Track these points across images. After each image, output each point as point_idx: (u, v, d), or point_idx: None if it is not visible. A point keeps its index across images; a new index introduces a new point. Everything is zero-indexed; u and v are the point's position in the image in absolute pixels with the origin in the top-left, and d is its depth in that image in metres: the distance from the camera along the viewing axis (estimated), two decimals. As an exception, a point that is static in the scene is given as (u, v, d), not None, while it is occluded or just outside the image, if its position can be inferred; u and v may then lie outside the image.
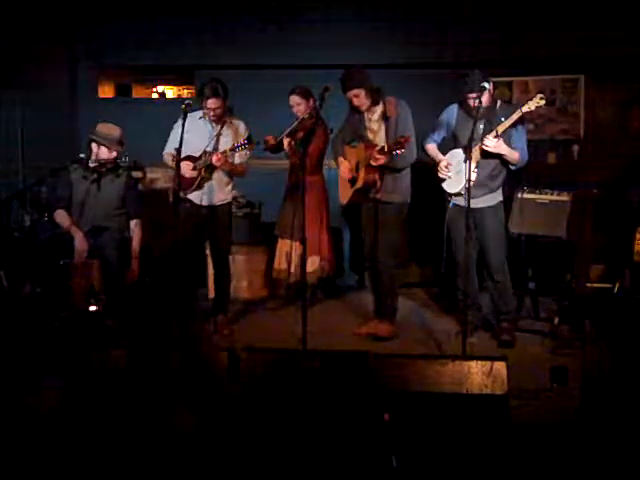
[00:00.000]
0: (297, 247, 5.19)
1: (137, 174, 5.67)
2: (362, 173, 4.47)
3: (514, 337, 4.56)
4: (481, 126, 4.34)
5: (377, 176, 4.45)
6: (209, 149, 4.60)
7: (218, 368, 3.35)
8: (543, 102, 4.16)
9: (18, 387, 3.42)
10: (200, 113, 4.65)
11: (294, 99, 5.13)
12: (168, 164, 4.81)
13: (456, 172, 4.43)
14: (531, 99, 4.18)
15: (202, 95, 4.60)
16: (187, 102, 4.42)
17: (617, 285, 4.68)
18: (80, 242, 4.65)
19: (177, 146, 4.35)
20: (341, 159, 4.66)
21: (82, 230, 4.71)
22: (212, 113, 4.59)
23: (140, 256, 4.84)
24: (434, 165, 4.57)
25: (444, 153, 4.57)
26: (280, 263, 5.37)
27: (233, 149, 4.54)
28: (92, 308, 4.55)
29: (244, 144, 4.52)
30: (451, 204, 4.52)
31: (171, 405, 3.23)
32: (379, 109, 4.51)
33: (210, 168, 4.61)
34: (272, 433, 3.06)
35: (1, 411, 3.28)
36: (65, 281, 4.62)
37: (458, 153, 4.44)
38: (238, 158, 4.70)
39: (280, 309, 5.38)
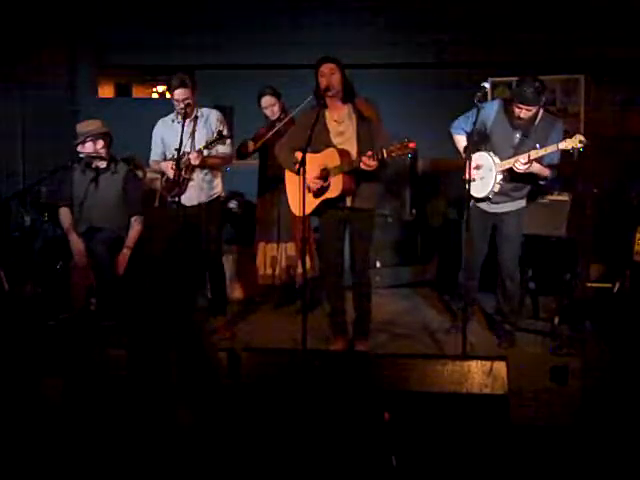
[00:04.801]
0: (286, 248, 5.14)
1: (137, 174, 5.67)
2: (337, 181, 4.05)
3: (514, 342, 4.56)
4: (517, 135, 4.22)
5: (354, 183, 4.09)
6: (187, 149, 4.54)
7: (218, 368, 3.35)
8: (581, 146, 3.97)
9: (19, 387, 3.42)
10: (172, 115, 4.60)
11: (269, 100, 5.01)
12: (156, 170, 4.75)
13: (480, 177, 4.31)
14: (571, 137, 4.00)
15: (170, 88, 4.52)
16: (187, 102, 4.41)
17: (617, 285, 4.67)
18: (75, 245, 4.64)
19: (157, 153, 4.51)
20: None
21: (78, 232, 4.71)
22: (181, 105, 4.47)
23: (134, 252, 4.78)
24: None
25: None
26: (266, 268, 5.24)
27: (206, 147, 4.45)
28: (92, 308, 4.56)
29: (215, 140, 4.43)
30: (471, 205, 4.39)
31: (171, 405, 3.23)
32: (346, 110, 4.14)
33: (190, 168, 4.52)
34: (272, 433, 3.06)
35: (2, 411, 3.28)
36: (65, 281, 4.62)
37: (485, 157, 4.32)
38: (222, 148, 4.58)
39: (278, 310, 5.38)
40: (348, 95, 4.13)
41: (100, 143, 4.75)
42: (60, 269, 4.63)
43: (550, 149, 4.06)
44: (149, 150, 4.82)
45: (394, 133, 4.13)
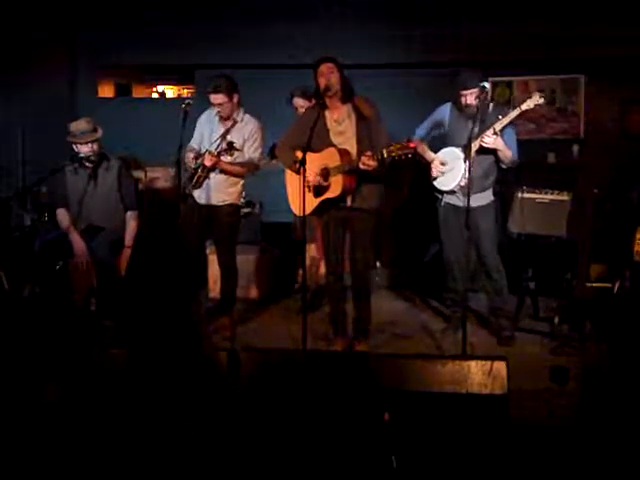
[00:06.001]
0: (309, 249, 5.15)
1: (138, 173, 5.67)
2: (338, 181, 4.05)
3: (514, 333, 4.57)
4: (471, 124, 4.27)
5: (354, 183, 4.10)
6: (212, 148, 4.58)
7: (218, 368, 3.35)
8: (542, 100, 4.17)
9: (19, 388, 3.42)
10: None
11: (297, 102, 5.06)
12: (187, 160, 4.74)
13: (449, 170, 4.42)
14: (530, 97, 4.19)
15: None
16: (187, 102, 4.41)
17: (617, 285, 4.68)
18: (77, 244, 4.66)
19: (195, 142, 4.60)
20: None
21: (78, 231, 4.71)
22: (217, 109, 4.57)
23: (135, 251, 4.80)
24: (425, 164, 4.56)
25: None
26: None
27: (219, 153, 4.50)
28: (92, 308, 4.56)
29: (225, 150, 4.48)
30: (442, 203, 4.53)
31: (170, 405, 3.23)
32: (346, 110, 4.16)
33: (207, 168, 4.56)
34: (272, 433, 3.06)
35: (2, 411, 3.28)
36: (65, 281, 4.63)
37: (451, 152, 4.43)
38: (251, 154, 4.62)
39: (278, 310, 5.38)
40: (347, 95, 4.13)
41: (95, 146, 4.76)
42: (60, 269, 4.64)
43: (513, 114, 4.21)
44: (150, 150, 4.83)
45: (393, 132, 4.14)
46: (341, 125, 4.17)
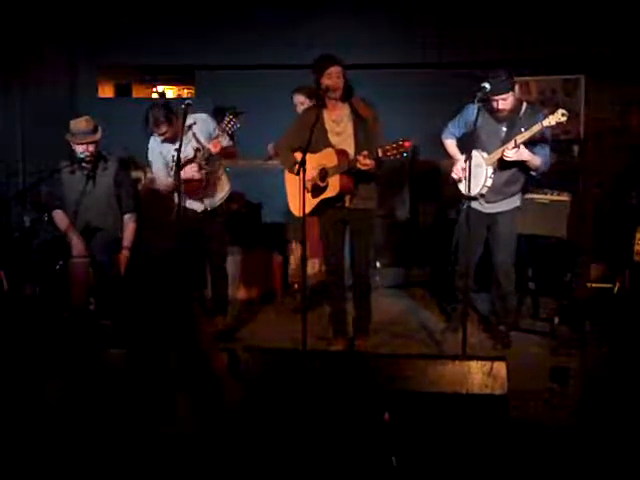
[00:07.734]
0: (298, 248, 5.17)
1: (137, 174, 5.66)
2: (336, 181, 4.06)
3: (509, 343, 4.55)
4: (504, 129, 4.25)
5: (352, 183, 4.10)
6: (190, 155, 4.48)
7: (218, 367, 3.35)
8: (564, 119, 4.04)
9: (19, 387, 3.42)
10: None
11: (299, 98, 5.03)
12: (167, 181, 4.61)
13: (473, 175, 4.25)
14: (553, 113, 4.06)
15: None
16: (187, 102, 4.40)
17: (617, 285, 4.67)
18: (76, 245, 4.65)
19: (158, 165, 4.54)
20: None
21: (77, 232, 4.70)
22: (166, 137, 4.51)
23: (134, 251, 4.77)
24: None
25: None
26: (292, 266, 5.38)
27: (223, 130, 4.35)
28: (92, 307, 4.56)
29: (231, 120, 4.31)
30: (464, 206, 4.47)
31: (171, 404, 3.23)
32: (345, 110, 4.15)
33: (211, 159, 4.45)
34: (272, 433, 3.06)
35: (2, 411, 3.28)
36: (64, 281, 4.62)
37: (475, 155, 4.33)
38: (225, 143, 4.54)
39: (278, 310, 5.38)
40: (347, 95, 4.13)
41: (93, 145, 4.74)
42: (59, 269, 4.63)
43: (535, 128, 4.10)
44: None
45: (394, 133, 4.13)
46: (339, 125, 4.17)
